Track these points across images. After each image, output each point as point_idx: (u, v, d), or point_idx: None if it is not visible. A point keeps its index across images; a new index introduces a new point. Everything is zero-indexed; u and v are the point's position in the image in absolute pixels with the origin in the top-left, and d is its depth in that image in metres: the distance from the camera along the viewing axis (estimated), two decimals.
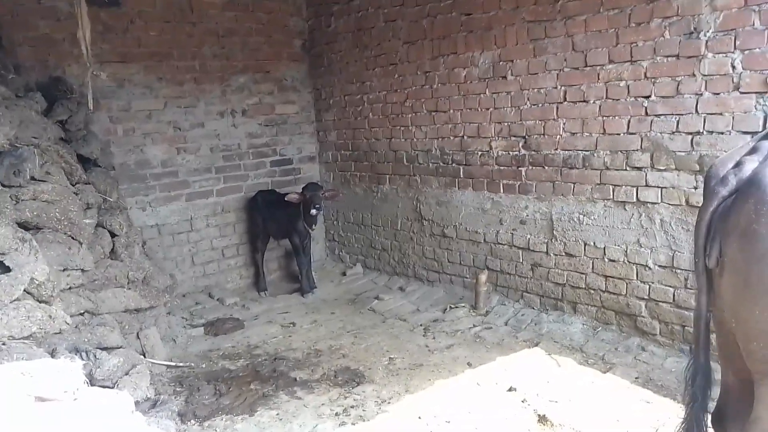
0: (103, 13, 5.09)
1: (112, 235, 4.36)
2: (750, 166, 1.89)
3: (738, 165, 1.95)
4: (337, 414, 3.41)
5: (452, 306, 4.97)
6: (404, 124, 5.69)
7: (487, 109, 4.94)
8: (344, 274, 6.17)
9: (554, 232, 4.57)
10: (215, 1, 5.75)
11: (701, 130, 3.69)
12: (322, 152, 6.70)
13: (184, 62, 5.62)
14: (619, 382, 3.57)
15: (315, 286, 5.75)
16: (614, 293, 4.23)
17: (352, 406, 3.48)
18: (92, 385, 3.02)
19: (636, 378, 3.57)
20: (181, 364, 4.09)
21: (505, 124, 4.83)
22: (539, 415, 3.23)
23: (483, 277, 4.86)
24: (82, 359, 3.14)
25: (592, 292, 4.37)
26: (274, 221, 5.75)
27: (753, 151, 1.95)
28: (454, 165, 5.30)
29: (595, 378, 3.64)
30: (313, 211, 5.38)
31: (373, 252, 6.21)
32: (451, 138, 5.29)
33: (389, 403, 3.50)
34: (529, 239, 4.76)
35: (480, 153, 5.06)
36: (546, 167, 4.59)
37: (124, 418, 2.47)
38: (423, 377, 3.81)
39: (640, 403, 3.28)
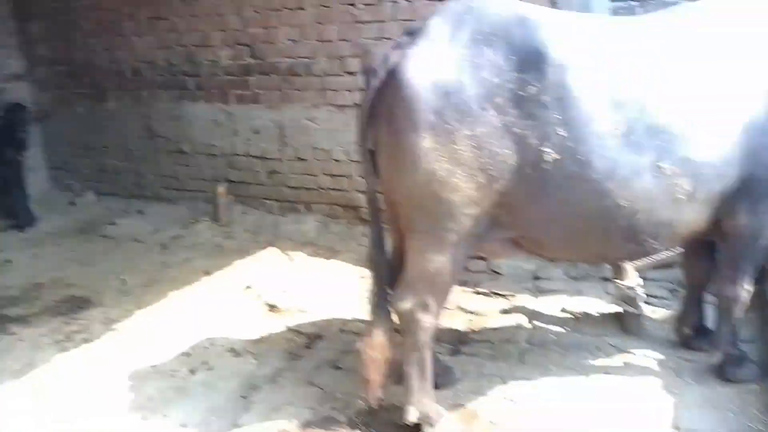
0: None
1: None
2: (395, 59, 2.20)
3: (386, 58, 2.25)
4: (58, 342, 3.22)
5: (192, 221, 4.90)
6: (123, 34, 5.22)
7: (210, 16, 4.77)
8: (73, 203, 5.60)
9: (285, 139, 4.73)
10: None
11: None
12: (32, 69, 5.82)
13: None
14: (341, 265, 3.99)
15: (35, 218, 5.14)
16: (340, 190, 4.58)
17: (75, 332, 3.31)
18: None
19: (356, 260, 4.00)
20: None
21: (231, 32, 4.73)
22: (269, 305, 3.48)
23: (221, 189, 4.85)
24: None
25: (323, 191, 4.68)
26: None
27: (397, 46, 2.26)
28: (182, 77, 5.06)
29: (321, 265, 4.01)
30: (19, 136, 4.70)
31: (105, 176, 5.72)
32: (177, 48, 5.02)
33: (119, 322, 3.41)
34: (263, 148, 4.85)
35: (208, 63, 4.91)
36: (273, 75, 4.66)
37: None
38: (158, 292, 3.74)
39: (357, 278, 3.71)
